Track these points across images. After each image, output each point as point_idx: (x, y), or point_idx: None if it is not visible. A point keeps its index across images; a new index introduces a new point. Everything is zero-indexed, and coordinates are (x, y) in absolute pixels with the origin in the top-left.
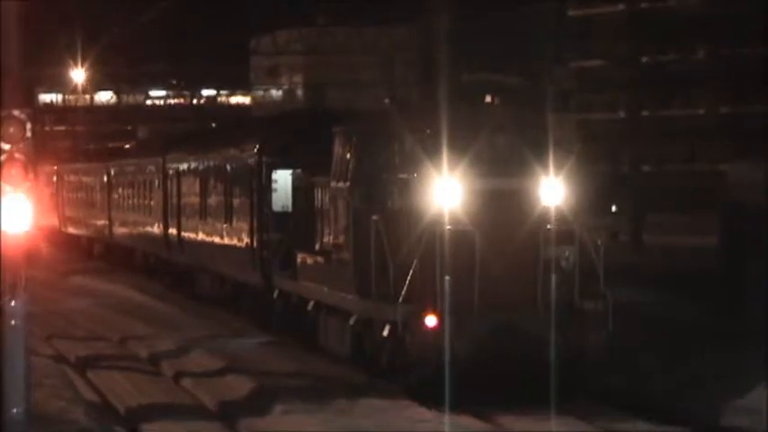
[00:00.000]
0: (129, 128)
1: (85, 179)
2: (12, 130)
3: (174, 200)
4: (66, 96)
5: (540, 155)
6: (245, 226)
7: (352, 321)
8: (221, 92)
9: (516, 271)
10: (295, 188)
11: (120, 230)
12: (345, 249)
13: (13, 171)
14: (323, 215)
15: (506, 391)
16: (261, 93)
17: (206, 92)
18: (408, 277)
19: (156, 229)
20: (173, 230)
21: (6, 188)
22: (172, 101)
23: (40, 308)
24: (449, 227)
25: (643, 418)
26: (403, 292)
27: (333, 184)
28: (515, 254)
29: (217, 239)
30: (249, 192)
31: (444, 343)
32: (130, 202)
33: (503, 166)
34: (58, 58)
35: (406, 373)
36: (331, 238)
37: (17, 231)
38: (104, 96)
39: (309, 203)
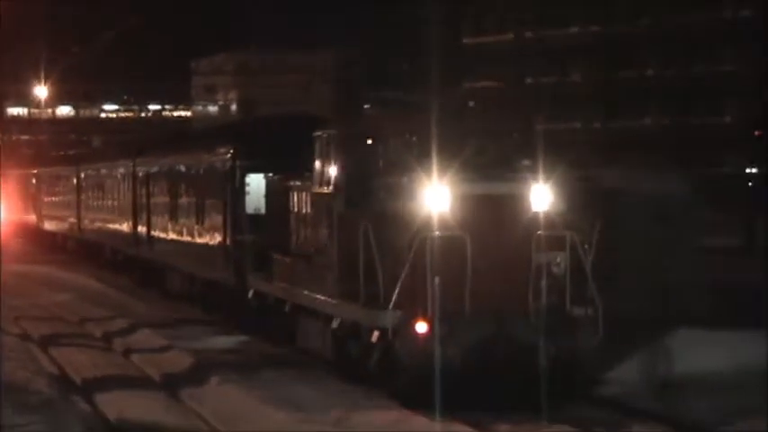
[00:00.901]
0: (86, 138)
1: (59, 181)
2: None
3: (144, 200)
4: (31, 110)
5: (529, 159)
6: (218, 227)
7: (335, 325)
8: (166, 107)
9: (507, 277)
10: (269, 191)
11: (89, 228)
12: (329, 253)
13: None
14: (300, 219)
15: (497, 397)
16: (200, 108)
17: (152, 107)
18: (399, 283)
19: (125, 227)
20: (142, 228)
21: None
22: (123, 114)
23: (10, 293)
24: (439, 232)
25: (638, 422)
26: (393, 298)
27: (315, 188)
28: (506, 259)
29: (188, 239)
30: (222, 194)
31: (435, 349)
32: (99, 202)
33: (492, 170)
34: (23, 77)
35: (395, 379)
36: (312, 241)
37: None
38: (64, 110)
39: (284, 206)
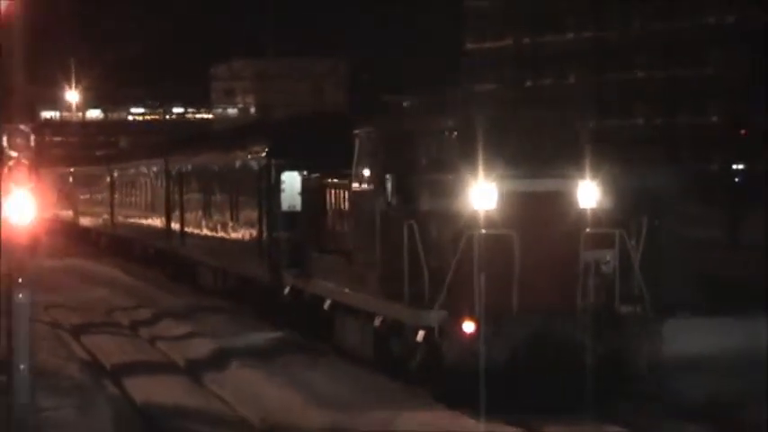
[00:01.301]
0: (113, 139)
1: (93, 179)
2: (18, 140)
3: (177, 197)
4: (63, 113)
5: (575, 155)
6: (253, 223)
7: (377, 323)
8: (188, 109)
9: (555, 275)
10: (305, 189)
11: (121, 224)
12: (370, 251)
13: (20, 174)
14: (338, 216)
15: (545, 397)
16: (220, 110)
17: (176, 110)
18: (446, 282)
19: (157, 223)
20: (175, 225)
21: (14, 187)
22: (148, 117)
23: (43, 286)
24: (487, 230)
25: (690, 420)
26: (440, 298)
27: (355, 186)
28: (554, 258)
29: (221, 235)
30: (257, 191)
31: (482, 349)
32: (132, 199)
33: (539, 167)
34: (56, 82)
35: (441, 379)
36: (351, 239)
37: (23, 222)
38: (94, 113)
39: (321, 204)
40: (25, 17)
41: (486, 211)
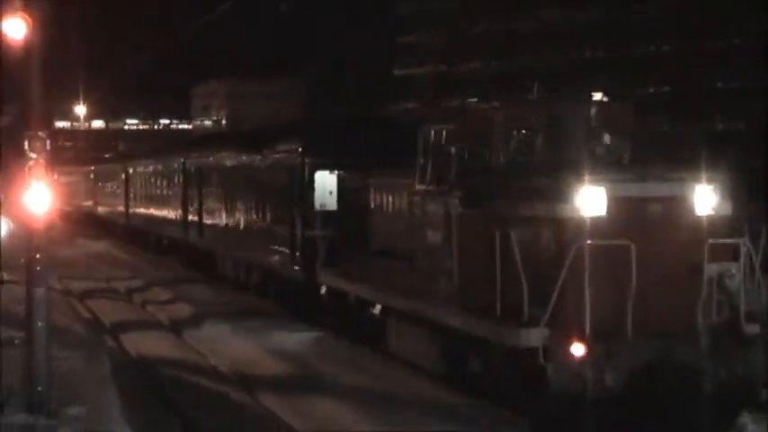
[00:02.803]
0: (113, 144)
1: (110, 175)
2: (37, 144)
3: (195, 191)
4: (73, 123)
5: (687, 154)
6: (284, 221)
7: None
8: (173, 121)
9: (675, 292)
10: (342, 188)
11: (134, 215)
12: (442, 258)
13: (38, 171)
14: (384, 216)
15: (662, 427)
16: (198, 122)
17: (163, 120)
18: (553, 298)
19: (173, 215)
20: (192, 218)
21: (34, 183)
22: (140, 126)
23: (57, 261)
24: (599, 241)
25: None
26: (546, 315)
27: (418, 185)
28: (674, 272)
29: (246, 229)
30: (288, 189)
31: (592, 375)
32: (145, 193)
33: (649, 168)
34: (67, 97)
35: (545, 406)
36: (409, 242)
37: (41, 211)
38: (97, 123)
39: (361, 204)
40: (41, 46)
41: (596, 218)
